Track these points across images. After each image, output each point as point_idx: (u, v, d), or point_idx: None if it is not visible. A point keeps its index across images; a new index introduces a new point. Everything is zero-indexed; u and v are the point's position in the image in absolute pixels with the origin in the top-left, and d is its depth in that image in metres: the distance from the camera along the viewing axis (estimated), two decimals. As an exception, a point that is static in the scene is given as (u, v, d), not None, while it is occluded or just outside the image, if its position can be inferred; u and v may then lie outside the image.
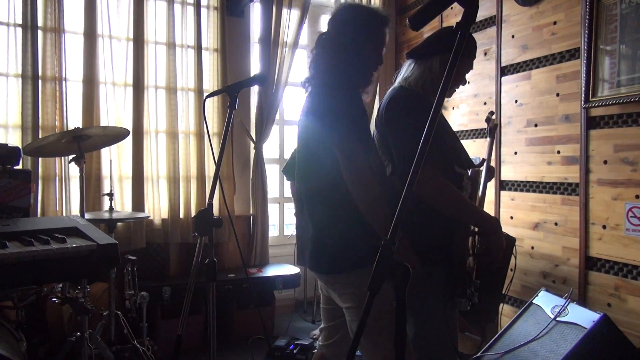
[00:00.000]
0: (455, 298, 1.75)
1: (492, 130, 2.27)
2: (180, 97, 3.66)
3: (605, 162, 2.76)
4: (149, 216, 3.42)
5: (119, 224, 3.31)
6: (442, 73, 1.56)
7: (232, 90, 1.82)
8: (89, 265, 1.57)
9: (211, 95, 1.88)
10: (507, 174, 3.42)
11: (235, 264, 3.99)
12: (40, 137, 3.10)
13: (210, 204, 1.73)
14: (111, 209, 2.96)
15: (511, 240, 3.04)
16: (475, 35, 3.70)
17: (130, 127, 3.39)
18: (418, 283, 1.76)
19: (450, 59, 1.08)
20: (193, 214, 3.49)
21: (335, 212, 1.63)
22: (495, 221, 1.73)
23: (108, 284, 2.83)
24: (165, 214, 3.64)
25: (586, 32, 2.81)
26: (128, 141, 3.41)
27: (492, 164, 3.52)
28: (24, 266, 1.43)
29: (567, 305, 2.41)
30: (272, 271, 3.78)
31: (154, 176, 3.57)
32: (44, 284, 2.25)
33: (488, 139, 2.25)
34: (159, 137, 3.61)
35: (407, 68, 1.86)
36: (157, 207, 3.58)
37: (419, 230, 1.72)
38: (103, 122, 3.39)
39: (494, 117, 2.31)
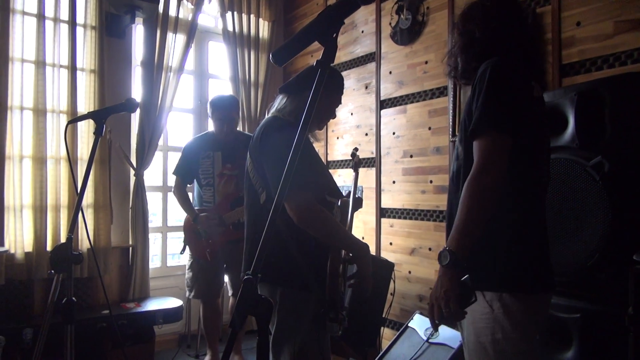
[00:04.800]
0: (327, 323, 1.77)
1: (356, 164, 2.39)
2: (50, 120, 3.38)
3: (470, 191, 3.00)
4: (8, 250, 3.09)
5: (-29, 259, 2.95)
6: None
7: (98, 116, 1.71)
8: None
9: (74, 121, 1.75)
10: (386, 201, 3.59)
11: (112, 298, 3.72)
12: None
13: (70, 238, 1.59)
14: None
15: (390, 266, 3.18)
16: (357, 69, 3.90)
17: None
18: (292, 311, 1.77)
19: (310, 94, 1.10)
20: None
21: None
22: (365, 246, 1.79)
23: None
24: (29, 247, 3.30)
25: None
26: (-15, 167, 3.07)
27: (363, 194, 3.69)
28: None
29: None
30: (152, 305, 3.57)
31: (17, 205, 3.24)
32: None
33: (353, 172, 2.37)
34: (24, 162, 3.29)
35: (279, 101, 1.89)
36: (19, 240, 3.24)
37: (293, 258, 1.73)
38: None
39: (358, 152, 2.45)
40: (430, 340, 2.54)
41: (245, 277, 1.08)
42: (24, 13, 3.30)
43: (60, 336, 1.71)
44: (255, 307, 1.09)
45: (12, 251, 3.21)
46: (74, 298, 1.62)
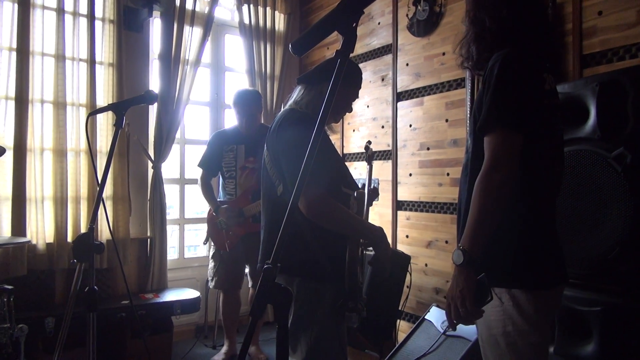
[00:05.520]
0: (345, 313, 1.77)
1: (370, 157, 2.40)
2: (70, 113, 3.43)
3: (488, 183, 2.97)
4: (30, 241, 3.15)
5: (-5, 249, 3.01)
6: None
7: (118, 108, 1.73)
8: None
9: (95, 112, 1.78)
10: (402, 194, 3.58)
11: (131, 288, 3.78)
12: None
13: (91, 228, 1.62)
14: (-16, 234, 2.68)
15: (406, 258, 3.17)
16: (373, 61, 3.88)
17: (11, 144, 3.14)
18: (309, 301, 1.78)
19: (330, 83, 1.10)
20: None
21: None
22: (379, 230, 1.80)
23: (-23, 317, 2.55)
24: (50, 238, 3.36)
25: (470, 63, 3.04)
26: (7, 159, 3.13)
27: (379, 186, 3.68)
28: None
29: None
30: (170, 296, 3.61)
31: (38, 197, 3.29)
32: None
33: (367, 165, 2.37)
34: (45, 154, 3.35)
35: (298, 93, 1.89)
36: (40, 231, 3.30)
37: (310, 248, 1.74)
38: (-22, 138, 3.09)
39: (371, 145, 2.45)
40: (447, 333, 2.53)
41: (265, 266, 1.09)
42: (43, 7, 3.34)
43: (81, 325, 1.75)
44: (274, 296, 1.10)
45: (34, 242, 3.28)
46: (95, 287, 1.65)
